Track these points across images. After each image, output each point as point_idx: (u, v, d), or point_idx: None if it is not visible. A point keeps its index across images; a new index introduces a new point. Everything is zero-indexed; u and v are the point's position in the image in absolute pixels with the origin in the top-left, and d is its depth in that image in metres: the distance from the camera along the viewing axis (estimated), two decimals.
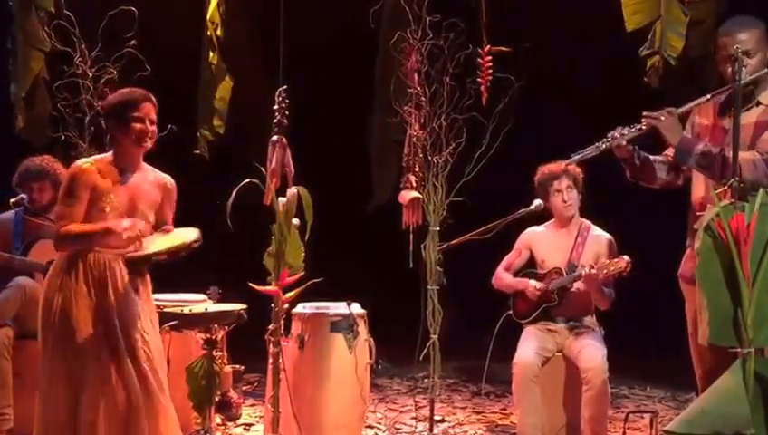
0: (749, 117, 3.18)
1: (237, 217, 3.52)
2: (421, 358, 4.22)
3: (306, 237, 3.65)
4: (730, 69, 3.06)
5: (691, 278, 3.33)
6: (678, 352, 3.52)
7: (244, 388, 4.67)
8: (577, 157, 3.45)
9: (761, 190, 2.70)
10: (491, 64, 4.25)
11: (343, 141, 6.45)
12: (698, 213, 3.23)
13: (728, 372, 2.65)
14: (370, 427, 4.66)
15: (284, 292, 3.66)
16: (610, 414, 4.36)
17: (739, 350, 2.66)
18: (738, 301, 2.62)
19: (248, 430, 4.62)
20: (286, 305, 3.72)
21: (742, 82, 3.02)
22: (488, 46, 4.30)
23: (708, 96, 3.31)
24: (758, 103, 3.26)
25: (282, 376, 3.70)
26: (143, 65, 4.19)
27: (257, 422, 4.71)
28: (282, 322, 3.70)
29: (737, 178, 2.80)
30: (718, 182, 3.17)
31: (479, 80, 4.26)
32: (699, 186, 3.38)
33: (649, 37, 4.70)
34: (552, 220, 4.43)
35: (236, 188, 3.53)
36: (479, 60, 4.26)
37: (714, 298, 2.66)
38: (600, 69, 6.01)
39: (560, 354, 4.21)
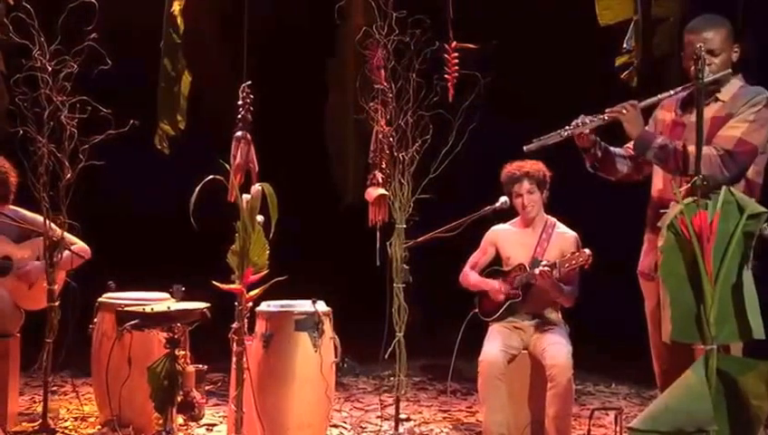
0: (706, 112, 3.18)
1: (200, 215, 3.46)
2: (387, 356, 4.20)
3: (271, 235, 3.61)
4: (694, 67, 3.07)
5: (648, 274, 3.37)
6: (643, 350, 3.53)
7: (207, 388, 4.61)
8: (539, 143, 3.45)
9: (723, 188, 2.71)
10: (457, 61, 4.26)
11: (308, 138, 6.40)
12: (657, 207, 3.25)
13: (691, 369, 2.67)
14: (335, 426, 4.63)
15: (248, 290, 3.62)
16: (575, 411, 4.37)
17: (700, 346, 2.68)
18: (701, 298, 2.63)
19: (211, 430, 4.56)
20: (250, 304, 3.68)
21: (705, 81, 3.03)
22: (454, 43, 4.30)
23: (672, 92, 3.36)
24: (716, 99, 3.28)
25: (245, 375, 3.66)
26: (104, 59, 4.12)
27: (220, 422, 4.66)
28: (245, 320, 3.66)
29: (701, 177, 2.81)
30: (675, 176, 3.20)
31: (446, 76, 4.26)
32: (658, 180, 3.42)
33: (627, 35, 4.73)
34: (518, 218, 4.44)
35: (200, 185, 3.48)
36: (445, 56, 4.25)
37: (677, 295, 2.67)
38: (568, 65, 6.02)
39: (525, 352, 4.21)
